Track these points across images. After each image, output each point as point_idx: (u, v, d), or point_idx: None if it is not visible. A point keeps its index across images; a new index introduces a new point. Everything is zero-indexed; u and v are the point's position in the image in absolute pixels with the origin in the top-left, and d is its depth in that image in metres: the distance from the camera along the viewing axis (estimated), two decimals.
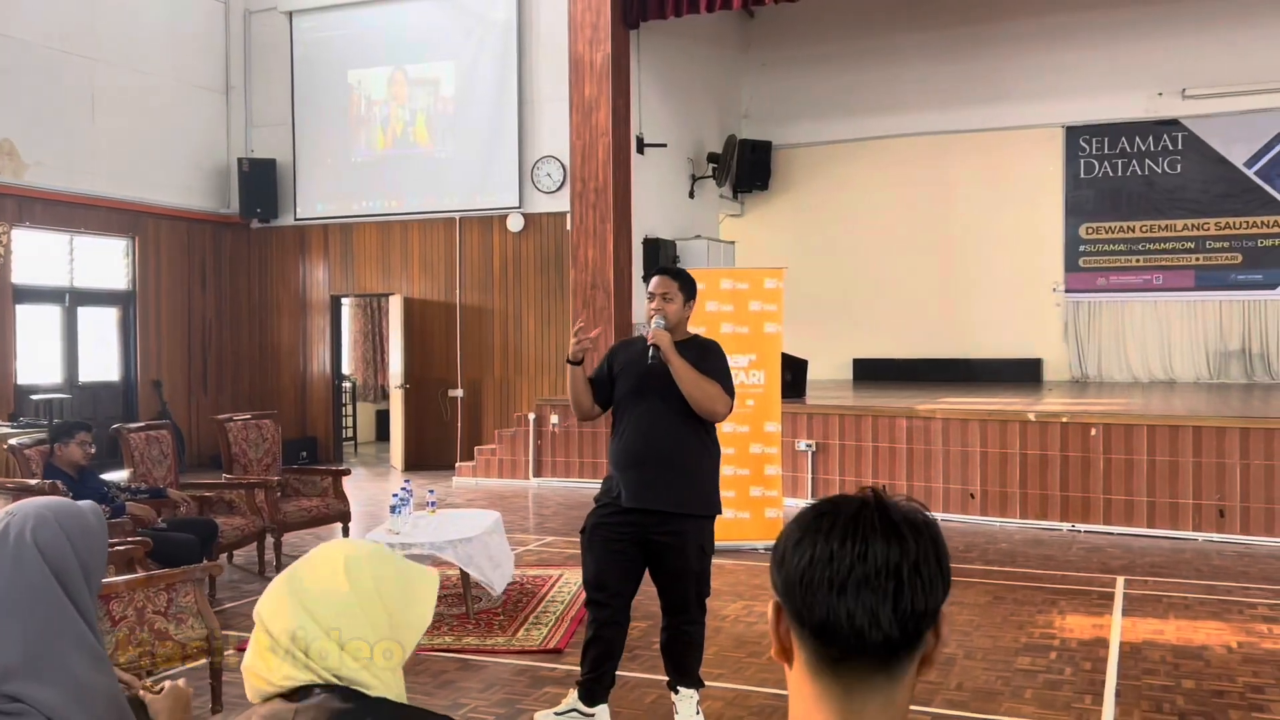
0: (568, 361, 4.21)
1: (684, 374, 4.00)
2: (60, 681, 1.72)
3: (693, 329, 4.37)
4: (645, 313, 4.24)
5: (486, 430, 12.14)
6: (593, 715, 4.19)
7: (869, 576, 1.05)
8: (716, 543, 4.29)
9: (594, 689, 4.17)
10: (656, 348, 4.03)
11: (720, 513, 4.24)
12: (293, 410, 13.02)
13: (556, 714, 4.23)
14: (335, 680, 1.39)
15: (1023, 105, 13.81)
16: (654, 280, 4.22)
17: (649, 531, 4.06)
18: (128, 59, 12.00)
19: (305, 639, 1.39)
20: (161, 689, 1.94)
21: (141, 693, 1.92)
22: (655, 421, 4.09)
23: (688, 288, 4.21)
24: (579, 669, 4.26)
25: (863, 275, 14.60)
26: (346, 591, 1.42)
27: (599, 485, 4.37)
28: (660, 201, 12.65)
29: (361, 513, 8.87)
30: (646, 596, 4.28)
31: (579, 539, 4.30)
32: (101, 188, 11.61)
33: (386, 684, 1.42)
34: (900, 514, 1.09)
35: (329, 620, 1.40)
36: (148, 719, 1.89)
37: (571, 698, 4.23)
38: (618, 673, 4.27)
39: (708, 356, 4.13)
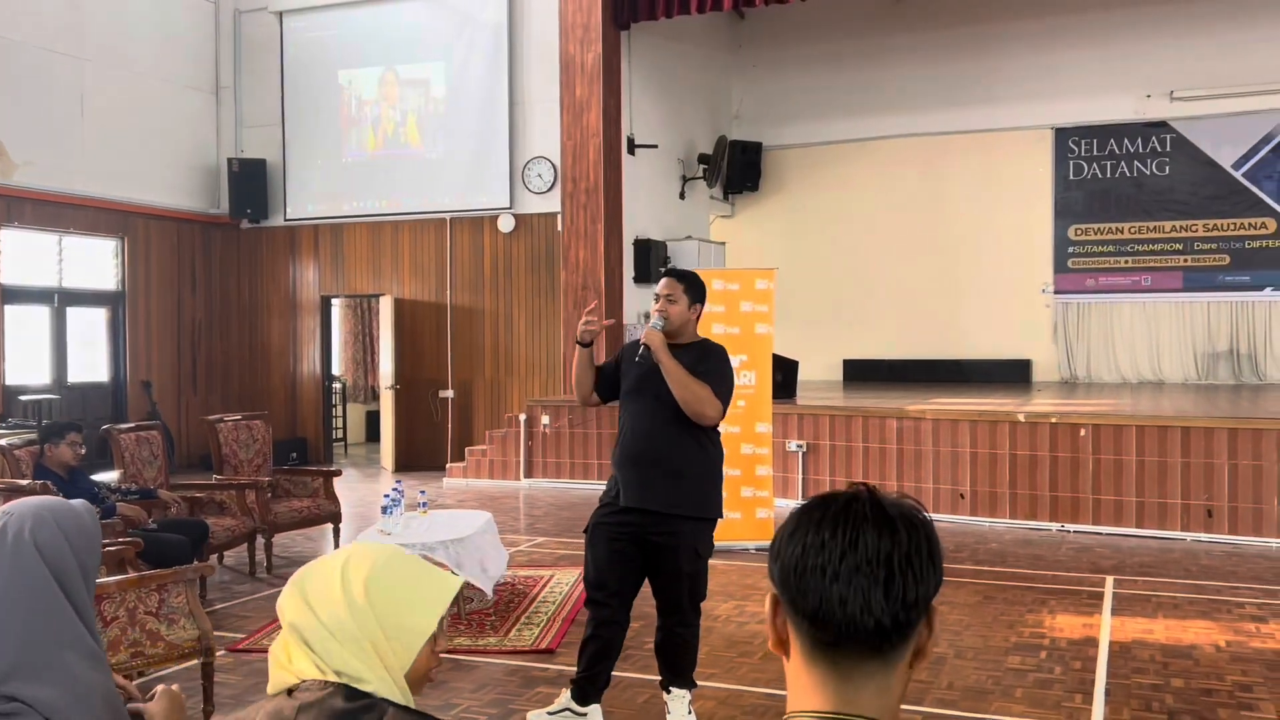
0: (577, 343, 4.25)
1: (673, 373, 4.00)
2: (58, 681, 1.72)
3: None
4: (650, 313, 4.27)
5: (477, 431, 12.13)
6: (585, 715, 4.19)
7: (860, 564, 1.08)
8: None
9: (587, 688, 4.17)
10: (647, 346, 4.05)
11: (720, 516, 4.23)
12: (283, 411, 12.99)
13: (549, 714, 4.23)
14: (340, 679, 1.40)
15: (1012, 107, 13.86)
16: (661, 282, 4.24)
17: (645, 531, 4.07)
18: (117, 59, 11.97)
19: (311, 638, 1.41)
20: (154, 694, 1.94)
21: (138, 704, 1.92)
22: (651, 422, 4.10)
23: (693, 290, 4.21)
24: (574, 668, 4.27)
25: (853, 276, 14.64)
26: (339, 599, 1.43)
27: (590, 486, 4.40)
28: (651, 202, 12.67)
29: (352, 514, 8.86)
30: (640, 596, 4.29)
31: (570, 540, 4.32)
32: (91, 188, 11.58)
33: (390, 685, 1.43)
34: (894, 508, 1.12)
35: (330, 623, 1.42)
36: None
37: (564, 697, 4.24)
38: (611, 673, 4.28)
39: (707, 359, 4.12)
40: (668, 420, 4.05)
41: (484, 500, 9.93)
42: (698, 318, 4.25)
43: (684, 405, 4.00)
